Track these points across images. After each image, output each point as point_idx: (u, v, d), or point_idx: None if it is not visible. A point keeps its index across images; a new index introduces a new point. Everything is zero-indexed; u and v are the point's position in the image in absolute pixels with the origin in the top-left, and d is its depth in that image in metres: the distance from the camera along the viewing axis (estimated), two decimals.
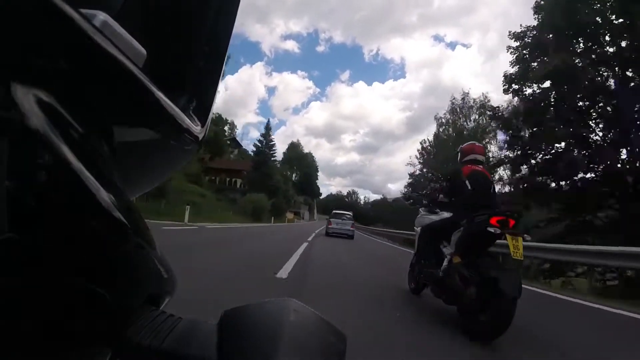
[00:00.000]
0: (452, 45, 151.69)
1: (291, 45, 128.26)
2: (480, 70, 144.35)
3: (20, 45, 0.16)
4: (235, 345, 0.20)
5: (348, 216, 15.99)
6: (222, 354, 0.20)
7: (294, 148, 77.79)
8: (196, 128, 0.36)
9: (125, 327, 0.20)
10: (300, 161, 74.51)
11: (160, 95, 0.28)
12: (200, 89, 0.40)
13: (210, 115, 0.40)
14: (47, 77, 0.18)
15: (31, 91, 0.17)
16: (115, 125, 0.25)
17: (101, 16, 0.24)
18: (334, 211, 16.84)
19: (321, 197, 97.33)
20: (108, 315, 0.19)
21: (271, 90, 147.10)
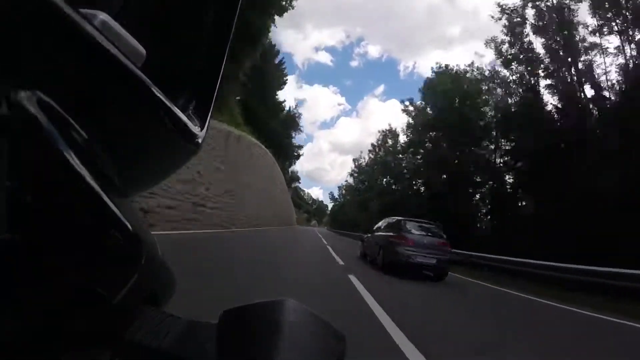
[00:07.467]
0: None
1: (324, 58, 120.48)
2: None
3: (20, 46, 0.16)
4: (234, 345, 0.20)
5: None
6: (222, 354, 0.20)
7: None
8: (196, 128, 0.36)
9: (125, 327, 0.20)
10: None
11: (160, 95, 0.28)
12: (200, 89, 0.40)
13: (210, 116, 0.40)
14: (47, 77, 0.18)
15: (31, 91, 0.17)
16: (114, 125, 0.25)
17: (101, 16, 0.24)
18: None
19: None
20: (108, 315, 0.19)
21: (299, 102, 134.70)
